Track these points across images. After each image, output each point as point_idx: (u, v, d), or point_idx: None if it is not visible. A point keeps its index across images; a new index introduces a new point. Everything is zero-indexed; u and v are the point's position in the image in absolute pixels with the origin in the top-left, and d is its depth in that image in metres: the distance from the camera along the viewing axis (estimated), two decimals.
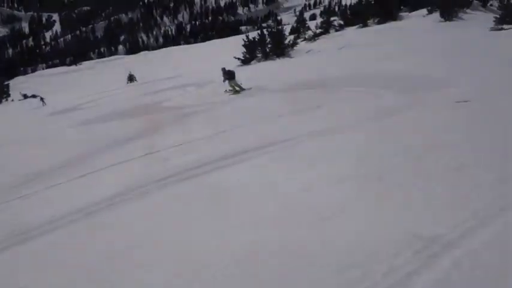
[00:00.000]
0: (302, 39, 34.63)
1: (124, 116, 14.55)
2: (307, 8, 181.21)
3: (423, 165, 4.87)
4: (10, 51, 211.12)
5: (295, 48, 28.27)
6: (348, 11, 43.47)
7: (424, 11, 30.68)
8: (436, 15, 26.73)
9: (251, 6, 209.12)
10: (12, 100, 40.87)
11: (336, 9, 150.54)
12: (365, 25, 31.57)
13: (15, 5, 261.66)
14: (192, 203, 4.97)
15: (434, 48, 16.35)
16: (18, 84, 51.46)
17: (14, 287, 3.81)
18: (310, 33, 36.05)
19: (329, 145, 6.35)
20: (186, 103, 14.57)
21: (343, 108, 8.82)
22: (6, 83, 44.67)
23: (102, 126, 13.35)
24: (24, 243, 4.74)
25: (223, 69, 15.34)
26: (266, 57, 27.84)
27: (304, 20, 42.30)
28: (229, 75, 15.02)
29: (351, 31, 31.38)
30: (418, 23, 26.85)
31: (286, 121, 8.56)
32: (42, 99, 29.92)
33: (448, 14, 24.91)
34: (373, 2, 32.98)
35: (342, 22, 35.76)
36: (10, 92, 42.72)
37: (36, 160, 9.19)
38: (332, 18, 37.34)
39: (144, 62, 58.14)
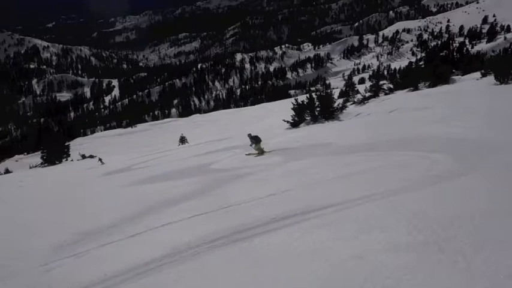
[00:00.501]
0: (351, 102, 34.80)
1: (175, 177, 14.85)
2: (356, 72, 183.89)
3: (482, 233, 4.58)
4: (72, 114, 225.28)
5: (344, 111, 28.34)
6: (397, 75, 43.54)
7: (478, 74, 30.20)
8: (491, 78, 26.20)
9: (300, 70, 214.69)
10: (72, 160, 42.94)
11: (385, 73, 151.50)
12: (416, 88, 31.37)
13: (79, 72, 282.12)
14: (240, 266, 4.89)
15: (490, 111, 15.89)
16: (77, 145, 54.32)
17: None
18: (359, 96, 36.22)
19: (381, 210, 6.12)
20: (234, 165, 14.74)
21: (394, 172, 8.60)
22: (67, 143, 47.33)
23: (154, 186, 13.66)
24: None
25: (249, 135, 17.09)
26: (315, 120, 28.03)
27: (353, 84, 42.71)
28: (255, 139, 16.70)
29: (401, 94, 31.21)
30: (472, 86, 26.34)
31: (335, 185, 8.43)
32: (100, 159, 31.30)
33: (504, 77, 24.34)
34: (423, 66, 32.88)
35: (391, 86, 35.69)
36: (70, 153, 45.10)
37: (89, 218, 9.44)
38: (381, 82, 37.45)
39: (195, 125, 60.08)
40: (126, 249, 6.74)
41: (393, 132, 14.73)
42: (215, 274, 4.83)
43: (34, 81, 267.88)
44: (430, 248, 4.42)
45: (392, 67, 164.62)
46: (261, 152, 16.45)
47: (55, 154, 42.78)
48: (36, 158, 51.02)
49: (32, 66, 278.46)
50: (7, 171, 41.77)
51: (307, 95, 29.65)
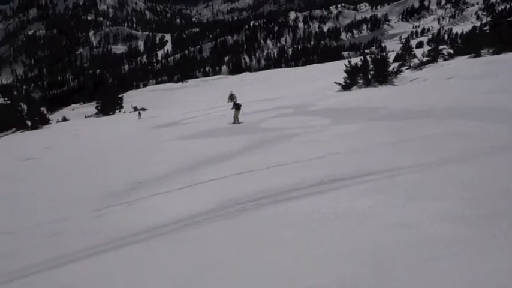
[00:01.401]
0: (407, 67, 33.45)
1: (223, 134, 14.97)
2: (414, 36, 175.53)
3: None
4: (126, 67, 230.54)
5: (399, 76, 27.31)
6: (459, 40, 41.17)
7: None
8: None
9: (354, 31, 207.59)
10: (124, 111, 44.24)
11: (446, 37, 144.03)
12: (478, 55, 29.63)
13: (134, 25, 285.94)
14: (283, 227, 4.87)
15: None
16: (130, 98, 55.75)
17: None
18: (416, 61, 34.72)
19: (433, 180, 5.86)
20: (283, 125, 14.64)
21: (448, 141, 8.22)
22: (120, 95, 48.73)
23: (201, 141, 13.84)
24: (120, 248, 5.00)
25: (235, 102, 19.41)
26: (368, 83, 27.23)
27: (410, 48, 40.82)
28: (236, 106, 18.66)
29: (462, 61, 29.59)
30: None
31: (385, 151, 8.18)
32: (139, 113, 32.27)
33: None
34: (488, 31, 30.88)
35: (451, 51, 33.90)
36: (123, 104, 46.48)
37: (140, 169, 9.71)
38: (441, 47, 35.61)
39: (245, 83, 59.99)
40: (175, 200, 6.93)
41: (449, 99, 14.07)
42: (259, 231, 4.85)
43: (91, 33, 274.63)
44: (485, 222, 4.18)
45: (454, 31, 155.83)
46: (236, 119, 18.39)
47: (109, 105, 44.24)
48: (91, 107, 52.98)
49: (89, 18, 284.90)
50: (64, 119, 43.74)
51: (361, 58, 28.70)
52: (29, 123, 33.18)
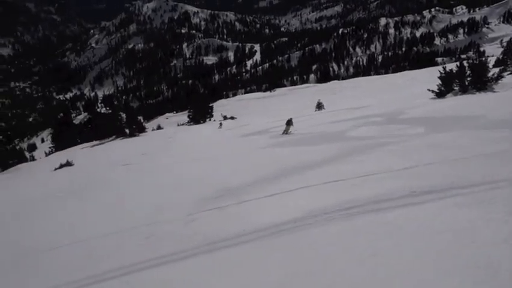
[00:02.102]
0: (509, 72, 30.93)
1: (311, 142, 14.84)
2: None
3: None
4: (216, 76, 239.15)
5: (499, 82, 25.29)
6: None
7: None
8: None
9: (449, 36, 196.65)
10: (214, 120, 45.75)
11: None
12: None
13: (225, 36, 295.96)
14: (375, 237, 4.70)
15: None
16: (219, 107, 57.55)
17: None
18: None
19: None
20: (372, 134, 14.16)
21: None
22: (210, 104, 50.49)
23: (290, 149, 13.83)
24: (211, 252, 5.13)
25: (288, 120, 20.03)
26: (464, 90, 25.54)
27: None
28: (288, 122, 19.82)
29: None
30: None
31: (483, 162, 7.55)
32: (220, 123, 33.15)
33: None
34: None
35: None
36: (213, 113, 48.11)
37: (228, 176, 9.88)
38: None
39: (333, 91, 59.30)
40: (263, 207, 7.02)
41: None
42: (348, 242, 4.74)
43: (184, 45, 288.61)
44: None
45: None
46: (286, 131, 19.58)
47: (200, 114, 46.02)
48: (183, 116, 55.53)
49: (183, 31, 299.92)
50: (159, 127, 46.21)
51: (457, 63, 26.99)
52: (127, 131, 35.48)
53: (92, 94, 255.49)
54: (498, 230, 4.33)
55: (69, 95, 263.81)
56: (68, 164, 21.66)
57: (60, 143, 42.09)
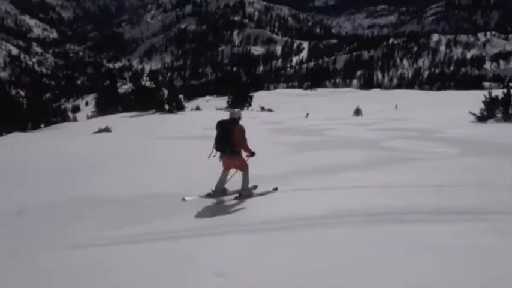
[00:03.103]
0: None
1: (346, 146, 14.93)
2: None
3: None
4: (261, 68, 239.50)
5: None
6: None
7: None
8: None
9: (501, 62, 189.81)
10: (252, 110, 46.24)
11: None
12: None
13: (275, 30, 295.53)
14: (389, 248, 4.81)
15: None
16: (259, 98, 57.87)
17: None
18: None
19: None
20: (405, 147, 14.20)
21: None
22: (251, 94, 50.98)
23: (322, 153, 13.79)
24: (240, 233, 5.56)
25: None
26: (507, 118, 25.04)
27: None
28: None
29: None
30: None
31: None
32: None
33: None
34: None
35: None
36: (252, 103, 48.63)
37: (262, 166, 10.14)
38: None
39: (373, 99, 58.69)
40: (292, 200, 7.29)
41: None
42: (368, 249, 4.91)
43: (235, 32, 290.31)
44: None
45: None
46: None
47: (238, 101, 46.63)
48: (223, 101, 56.19)
49: (236, 19, 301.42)
50: (198, 108, 47.14)
51: (504, 90, 26.44)
52: (167, 107, 36.40)
53: (140, 67, 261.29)
54: None
55: (118, 65, 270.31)
56: (107, 129, 22.62)
57: (102, 109, 43.64)
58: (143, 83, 46.03)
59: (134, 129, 24.60)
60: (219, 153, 7.36)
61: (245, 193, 7.48)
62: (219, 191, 7.55)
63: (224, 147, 7.17)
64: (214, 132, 7.47)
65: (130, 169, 10.91)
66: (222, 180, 7.60)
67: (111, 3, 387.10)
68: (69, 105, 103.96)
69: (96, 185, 8.93)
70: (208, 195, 7.51)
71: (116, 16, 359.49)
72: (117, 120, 29.48)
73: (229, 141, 7.09)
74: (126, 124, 27.45)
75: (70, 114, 56.44)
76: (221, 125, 7.28)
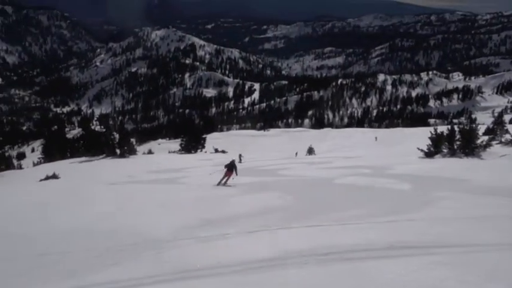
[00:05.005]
0: (497, 141, 31.62)
1: (297, 187, 14.95)
2: (509, 111, 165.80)
3: None
4: (213, 110, 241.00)
5: (487, 150, 25.84)
6: None
7: None
8: None
9: (444, 100, 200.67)
10: (205, 152, 45.88)
11: None
12: None
13: (226, 72, 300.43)
14: (344, 285, 4.75)
15: None
16: (212, 139, 57.77)
17: None
18: (508, 137, 32.75)
19: None
20: (358, 184, 14.38)
21: None
22: (204, 136, 50.74)
23: (270, 194, 13.79)
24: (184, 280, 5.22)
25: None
26: (453, 154, 26.04)
27: (502, 122, 38.74)
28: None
29: None
30: None
31: (465, 225, 7.75)
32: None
33: None
34: None
35: None
36: (205, 145, 48.32)
37: (213, 208, 9.91)
38: None
39: (326, 138, 59.95)
40: (242, 243, 7.14)
41: None
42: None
43: (187, 75, 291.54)
44: None
45: None
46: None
47: (192, 144, 46.19)
48: (175, 144, 55.59)
49: (187, 61, 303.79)
50: (150, 152, 46.24)
51: (448, 127, 27.65)
52: (118, 151, 35.44)
53: (89, 111, 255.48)
54: None
55: (66, 109, 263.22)
56: (54, 176, 21.57)
57: (50, 155, 41.88)
58: (93, 127, 44.84)
59: (83, 175, 23.63)
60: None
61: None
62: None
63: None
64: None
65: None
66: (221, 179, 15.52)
67: (59, 47, 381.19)
68: (13, 152, 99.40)
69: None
70: None
71: (64, 60, 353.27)
72: (66, 166, 28.30)
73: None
74: (74, 170, 26.37)
75: (15, 162, 53.77)
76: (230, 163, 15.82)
